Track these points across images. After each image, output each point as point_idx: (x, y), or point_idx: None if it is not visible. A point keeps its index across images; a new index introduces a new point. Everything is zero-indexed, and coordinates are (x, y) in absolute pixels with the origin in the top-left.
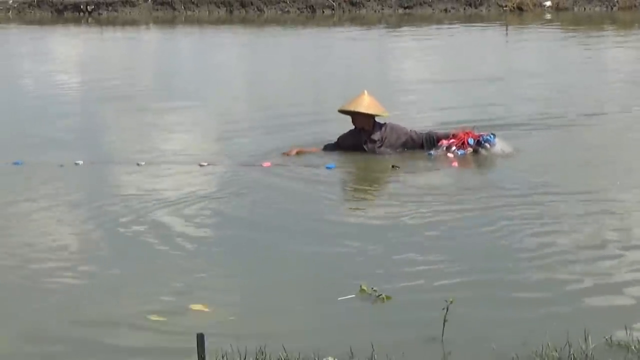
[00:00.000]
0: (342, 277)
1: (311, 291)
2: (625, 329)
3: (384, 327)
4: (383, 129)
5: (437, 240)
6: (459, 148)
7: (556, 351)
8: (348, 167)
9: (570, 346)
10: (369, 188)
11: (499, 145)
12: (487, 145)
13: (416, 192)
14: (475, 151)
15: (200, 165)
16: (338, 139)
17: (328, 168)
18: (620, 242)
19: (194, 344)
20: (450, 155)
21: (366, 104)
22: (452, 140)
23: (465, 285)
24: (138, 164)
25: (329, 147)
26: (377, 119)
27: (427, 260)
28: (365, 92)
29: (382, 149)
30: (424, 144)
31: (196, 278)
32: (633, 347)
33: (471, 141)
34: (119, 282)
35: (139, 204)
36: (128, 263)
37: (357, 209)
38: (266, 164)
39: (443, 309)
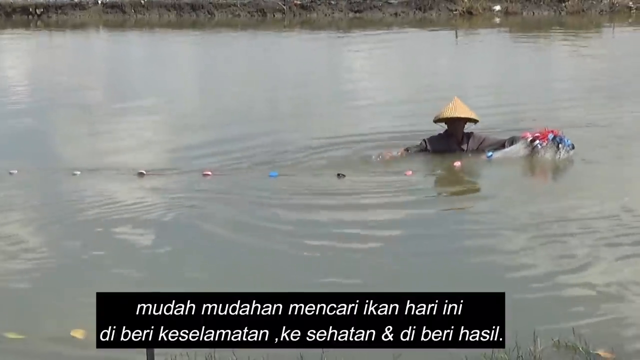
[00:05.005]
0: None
1: None
2: (573, 331)
3: None
4: (467, 134)
5: (387, 249)
6: (541, 140)
7: (505, 353)
8: (291, 176)
9: (518, 348)
10: (313, 196)
11: (562, 154)
12: (560, 145)
13: (361, 201)
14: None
15: (140, 174)
16: (426, 142)
17: (271, 176)
18: (569, 246)
19: None
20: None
21: (469, 110)
22: (536, 134)
23: (416, 286)
24: (74, 174)
25: (416, 150)
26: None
27: (379, 265)
28: (457, 98)
29: (469, 153)
30: (505, 145)
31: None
32: (580, 348)
33: (551, 136)
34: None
35: (66, 215)
36: (46, 277)
37: (301, 217)
38: (207, 172)
39: None
